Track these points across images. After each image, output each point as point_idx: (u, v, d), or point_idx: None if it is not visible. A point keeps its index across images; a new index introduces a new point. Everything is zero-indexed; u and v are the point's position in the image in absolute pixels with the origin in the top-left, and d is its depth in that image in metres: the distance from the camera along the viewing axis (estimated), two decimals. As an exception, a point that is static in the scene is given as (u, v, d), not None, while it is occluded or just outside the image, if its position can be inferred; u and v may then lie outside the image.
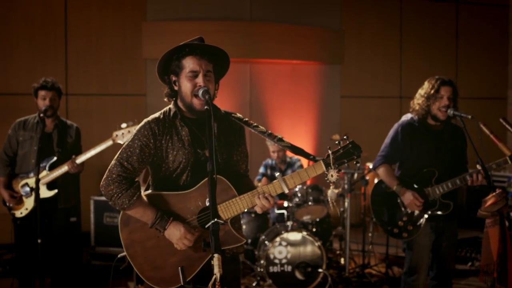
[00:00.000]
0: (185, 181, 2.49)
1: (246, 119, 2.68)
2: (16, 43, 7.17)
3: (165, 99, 2.62)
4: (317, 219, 5.58)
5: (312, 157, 2.45)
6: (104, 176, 2.43)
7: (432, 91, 3.54)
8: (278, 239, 4.99)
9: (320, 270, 4.95)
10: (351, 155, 2.37)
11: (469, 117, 3.37)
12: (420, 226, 3.59)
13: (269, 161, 6.35)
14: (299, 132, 8.15)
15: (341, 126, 8.35)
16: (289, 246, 5.00)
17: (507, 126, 3.41)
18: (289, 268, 4.97)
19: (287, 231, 5.05)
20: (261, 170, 6.33)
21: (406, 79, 8.65)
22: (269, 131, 2.61)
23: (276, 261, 4.98)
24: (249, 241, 5.67)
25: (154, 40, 7.55)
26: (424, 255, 3.64)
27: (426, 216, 3.57)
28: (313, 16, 8.23)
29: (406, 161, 3.72)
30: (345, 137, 2.44)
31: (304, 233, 5.04)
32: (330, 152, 2.38)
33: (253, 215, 5.70)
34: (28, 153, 4.36)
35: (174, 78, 2.52)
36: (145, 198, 2.45)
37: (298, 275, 4.97)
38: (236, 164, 2.65)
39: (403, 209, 3.64)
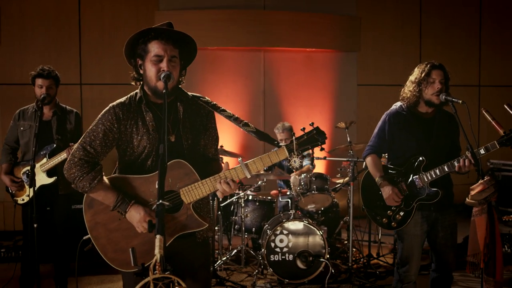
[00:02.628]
0: (150, 166, 2.48)
1: (214, 102, 2.63)
2: (31, 36, 7.31)
3: (132, 83, 2.60)
4: (322, 208, 5.50)
5: (276, 142, 2.47)
6: (67, 159, 2.44)
7: (423, 75, 3.40)
8: (279, 227, 4.94)
9: (321, 259, 4.87)
10: (315, 141, 2.35)
11: (460, 101, 3.25)
12: (409, 215, 3.47)
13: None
14: (314, 121, 7.90)
15: (357, 114, 8.19)
16: (290, 235, 4.94)
17: (488, 117, 3.24)
18: (290, 257, 4.92)
19: (288, 220, 4.99)
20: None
21: (425, 65, 8.39)
22: (236, 116, 2.59)
23: (277, 249, 4.92)
24: (254, 229, 5.64)
25: (167, 29, 7.56)
26: (415, 245, 3.49)
27: (414, 205, 3.45)
28: (328, 2, 8.08)
29: (395, 150, 3.60)
30: (310, 123, 2.41)
31: (306, 222, 4.97)
32: (293, 138, 2.34)
33: (257, 203, 5.66)
34: (29, 141, 4.43)
35: (140, 62, 2.49)
36: (107, 181, 2.45)
37: (300, 264, 4.90)
38: (204, 148, 2.63)
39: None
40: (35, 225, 3.95)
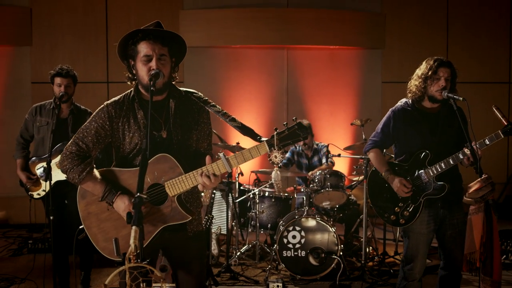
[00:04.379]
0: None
1: (206, 98, 2.72)
2: (61, 36, 7.59)
3: (128, 83, 2.69)
4: (337, 206, 5.50)
5: (258, 137, 2.49)
6: (62, 152, 2.58)
7: (430, 72, 3.38)
8: (291, 224, 4.98)
9: (333, 256, 4.89)
10: (297, 136, 2.35)
11: (461, 98, 3.22)
12: (417, 211, 3.44)
13: (296, 147, 6.32)
14: (338, 119, 8.02)
15: (382, 112, 8.09)
16: (303, 231, 4.98)
17: (498, 114, 3.19)
18: (302, 253, 4.95)
19: (302, 216, 5.03)
20: (288, 155, 6.31)
21: (453, 63, 8.21)
22: (224, 111, 2.65)
23: (290, 245, 4.97)
24: (269, 225, 5.70)
25: (191, 28, 7.72)
26: (421, 244, 3.46)
27: (421, 200, 3.43)
28: (352, -1, 8.04)
29: (401, 146, 3.60)
30: (293, 118, 2.43)
31: (319, 219, 4.99)
32: (275, 133, 2.36)
33: (273, 200, 5.71)
34: (45, 137, 4.60)
35: (132, 62, 2.60)
36: (97, 173, 2.56)
37: (312, 260, 4.94)
38: (196, 143, 2.70)
39: (399, 196, 3.49)
40: (51, 217, 4.13)
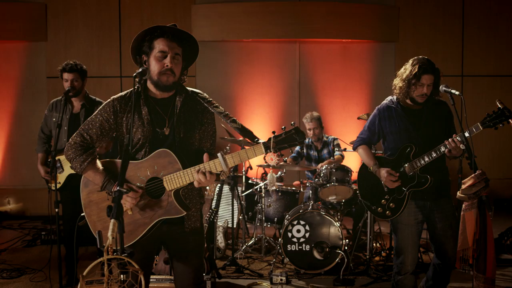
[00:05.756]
0: (143, 156, 2.63)
1: (210, 99, 2.76)
2: (75, 32, 7.71)
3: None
4: (343, 200, 5.48)
5: (256, 139, 2.53)
6: (68, 142, 2.67)
7: (414, 80, 3.39)
8: (296, 218, 5.00)
9: (337, 250, 4.89)
10: (293, 140, 2.40)
11: (457, 93, 3.28)
12: (402, 203, 3.50)
13: (306, 140, 6.31)
14: (350, 113, 7.96)
15: (395, 106, 8.02)
16: (307, 225, 4.99)
17: (500, 107, 3.16)
18: (307, 247, 4.97)
19: (306, 210, 5.04)
20: (297, 148, 6.31)
21: (469, 57, 8.10)
22: (226, 112, 2.71)
23: (294, 239, 4.99)
24: (276, 219, 5.72)
25: (203, 22, 7.75)
26: (410, 235, 3.50)
27: (406, 193, 3.49)
28: (365, -8, 7.96)
29: (387, 141, 3.69)
30: (292, 123, 2.47)
31: (323, 213, 4.99)
32: (272, 136, 2.42)
33: (280, 194, 5.73)
34: (60, 132, 4.71)
35: (145, 58, 2.65)
36: (99, 164, 2.63)
37: (316, 254, 4.94)
38: (199, 142, 2.76)
39: (385, 188, 3.59)
40: (56, 210, 4.24)
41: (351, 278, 4.82)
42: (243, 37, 7.87)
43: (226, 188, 5.90)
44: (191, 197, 2.75)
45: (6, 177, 7.93)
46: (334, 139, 6.16)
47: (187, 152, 2.64)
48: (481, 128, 3.16)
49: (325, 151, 6.17)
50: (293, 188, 5.81)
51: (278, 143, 2.40)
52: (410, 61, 3.47)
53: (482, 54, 8.10)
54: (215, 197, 5.58)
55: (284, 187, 5.78)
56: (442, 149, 3.28)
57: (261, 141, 2.46)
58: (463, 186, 2.91)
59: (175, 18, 7.77)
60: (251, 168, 6.29)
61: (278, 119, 8.02)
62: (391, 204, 3.55)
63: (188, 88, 2.76)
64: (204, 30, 7.81)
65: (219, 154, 2.47)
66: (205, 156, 2.51)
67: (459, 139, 3.16)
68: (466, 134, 3.17)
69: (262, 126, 7.88)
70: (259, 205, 5.54)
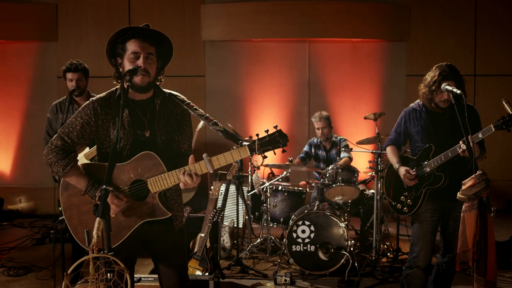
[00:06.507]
0: (125, 158, 2.60)
1: (189, 101, 2.76)
2: (85, 32, 7.77)
3: (114, 82, 2.72)
4: (349, 201, 5.43)
5: (240, 142, 2.52)
6: (47, 146, 2.63)
7: (434, 87, 3.50)
8: (301, 218, 4.96)
9: (343, 251, 4.84)
10: (277, 142, 2.43)
11: (458, 92, 3.26)
12: (418, 200, 3.64)
13: (314, 139, 6.28)
14: (360, 113, 7.86)
15: (406, 105, 7.87)
16: (312, 226, 4.95)
17: (507, 107, 3.10)
18: (312, 248, 4.93)
19: (311, 211, 5.00)
20: (306, 148, 6.27)
21: (481, 56, 7.97)
22: (207, 115, 2.71)
23: (299, 240, 4.95)
24: (282, 219, 5.68)
25: (212, 22, 7.76)
26: (425, 232, 3.61)
27: (423, 191, 3.63)
28: (375, -9, 7.88)
29: (413, 142, 3.84)
30: (274, 126, 2.50)
31: (329, 213, 4.95)
32: (256, 139, 2.43)
33: (286, 194, 5.70)
34: None
35: (120, 61, 2.63)
36: (82, 168, 2.61)
37: (321, 255, 4.90)
38: (178, 144, 2.75)
39: (404, 185, 3.73)
40: (60, 208, 4.25)
41: (356, 279, 4.77)
42: (252, 37, 7.85)
43: (232, 188, 5.89)
44: (175, 197, 2.75)
45: (18, 176, 8.02)
46: (342, 139, 6.11)
47: (168, 154, 2.64)
48: (493, 130, 3.19)
49: (333, 151, 6.12)
50: (300, 188, 5.77)
51: (262, 145, 2.43)
52: (433, 68, 3.59)
53: (495, 53, 7.96)
54: (221, 197, 5.56)
55: (290, 187, 5.75)
56: (458, 149, 3.34)
57: (245, 143, 2.47)
58: (463, 187, 2.85)
59: (184, 18, 7.79)
60: (258, 168, 6.27)
61: (288, 119, 7.98)
62: (408, 201, 3.71)
63: (165, 90, 2.75)
64: (213, 29, 7.81)
65: (204, 156, 2.47)
66: (191, 158, 2.52)
67: (473, 140, 3.20)
68: (480, 136, 3.24)
69: (271, 126, 7.84)
70: (265, 205, 5.51)
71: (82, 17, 7.75)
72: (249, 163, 2.48)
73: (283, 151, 2.46)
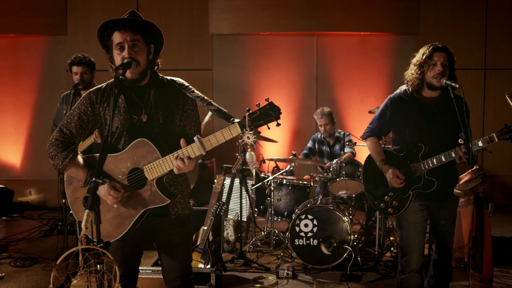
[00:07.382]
0: (124, 145, 2.63)
1: (186, 84, 2.74)
2: (94, 24, 7.72)
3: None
4: (353, 195, 5.41)
5: (232, 119, 2.48)
6: (48, 140, 2.67)
7: (424, 58, 3.27)
8: (304, 212, 4.96)
9: (345, 246, 4.83)
10: (269, 116, 2.33)
11: (457, 86, 3.08)
12: (406, 203, 3.40)
13: (317, 135, 6.26)
14: (368, 107, 7.79)
15: (414, 100, 7.87)
16: (315, 220, 4.95)
17: (510, 103, 3.03)
18: (314, 242, 4.93)
19: (314, 205, 5.00)
20: (309, 144, 6.27)
21: (491, 50, 7.87)
22: (202, 95, 2.68)
23: (302, 234, 4.95)
24: (286, 213, 5.69)
25: (220, 16, 7.75)
26: (415, 234, 3.39)
27: (411, 193, 3.38)
28: (384, -16, 7.81)
29: (397, 134, 3.52)
30: (266, 99, 2.40)
31: (332, 207, 4.94)
32: (246, 114, 2.35)
33: (290, 188, 5.69)
34: None
35: (111, 54, 2.66)
36: (81, 160, 2.64)
37: (324, 249, 4.90)
38: (182, 129, 2.73)
39: (390, 185, 3.47)
40: (63, 200, 4.31)
41: (358, 274, 4.76)
42: (260, 30, 7.84)
43: (237, 181, 5.90)
44: (176, 184, 2.73)
45: (28, 169, 8.13)
46: (346, 134, 6.08)
47: (168, 139, 2.62)
48: (496, 140, 3.02)
49: (337, 147, 6.10)
50: (304, 182, 5.76)
51: (253, 121, 2.34)
52: (421, 48, 3.38)
53: (506, 46, 7.85)
54: (225, 189, 5.59)
55: (295, 181, 5.74)
56: (453, 155, 3.16)
57: (236, 120, 2.42)
58: (460, 182, 2.81)
59: (192, 12, 7.80)
60: (264, 162, 6.28)
61: (295, 113, 7.97)
62: (394, 202, 3.45)
63: (166, 76, 2.75)
64: (221, 23, 7.80)
65: (195, 138, 2.44)
66: (182, 141, 2.48)
67: (464, 150, 3.04)
68: (480, 144, 3.05)
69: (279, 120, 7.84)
70: (269, 198, 5.52)
71: (91, 12, 7.79)
72: (240, 140, 2.39)
73: (277, 125, 2.35)
